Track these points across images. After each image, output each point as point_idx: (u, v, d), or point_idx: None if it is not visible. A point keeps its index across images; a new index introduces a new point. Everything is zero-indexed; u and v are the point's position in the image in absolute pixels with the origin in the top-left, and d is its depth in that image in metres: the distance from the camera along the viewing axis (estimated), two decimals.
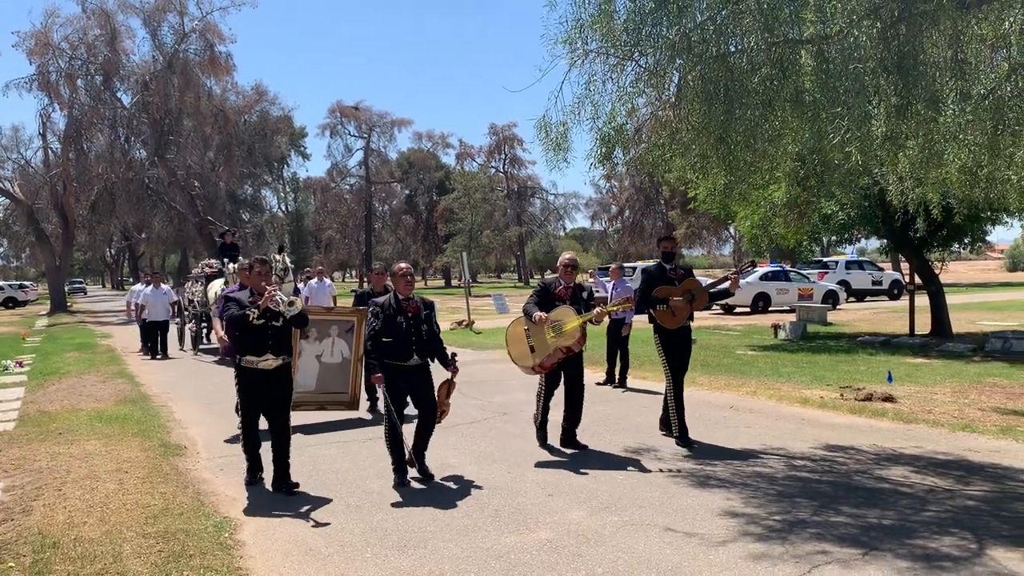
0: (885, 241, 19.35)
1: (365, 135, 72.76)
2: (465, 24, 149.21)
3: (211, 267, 17.58)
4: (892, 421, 8.70)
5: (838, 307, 27.17)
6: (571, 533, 5.30)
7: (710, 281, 8.49)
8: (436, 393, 6.78)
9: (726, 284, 8.09)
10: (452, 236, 67.44)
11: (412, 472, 6.67)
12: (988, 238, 20.76)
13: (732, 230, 58.50)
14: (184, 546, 5.21)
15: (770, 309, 26.37)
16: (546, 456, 7.40)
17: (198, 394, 11.76)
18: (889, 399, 9.79)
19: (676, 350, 7.78)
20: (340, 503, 6.07)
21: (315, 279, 17.61)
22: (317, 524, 5.64)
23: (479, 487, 6.40)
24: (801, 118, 6.77)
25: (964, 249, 19.21)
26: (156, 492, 6.44)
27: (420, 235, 77.36)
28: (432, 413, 6.69)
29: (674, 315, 7.66)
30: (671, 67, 6.82)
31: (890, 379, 11.17)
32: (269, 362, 6.33)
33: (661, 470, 6.84)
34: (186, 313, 18.76)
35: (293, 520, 5.77)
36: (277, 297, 6.21)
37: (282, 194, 76.83)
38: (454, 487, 6.35)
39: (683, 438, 7.72)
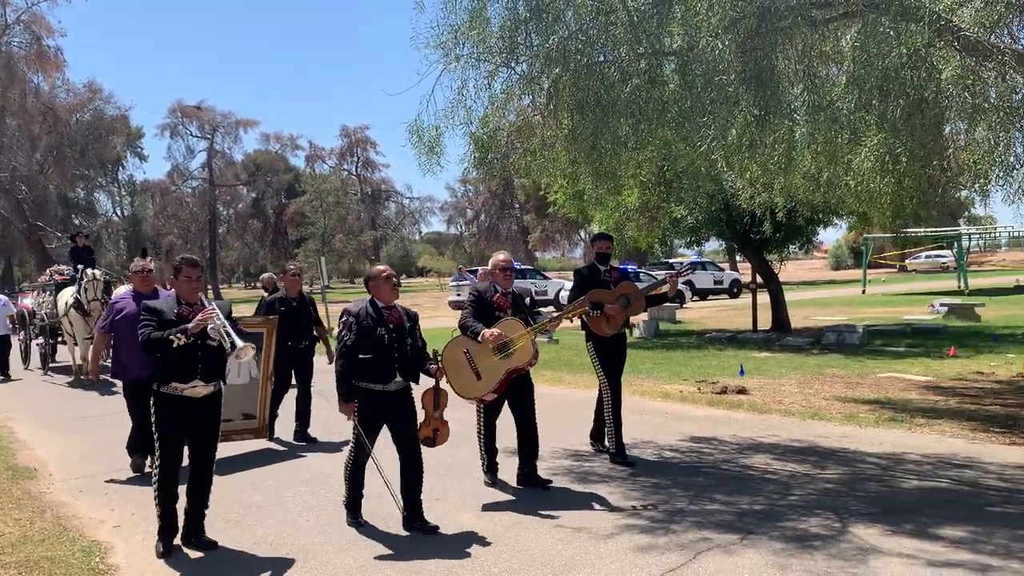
0: (726, 243, 20.58)
1: (208, 136, 69.63)
2: (315, 25, 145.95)
3: (61, 274, 15.87)
4: (748, 412, 9.24)
5: (685, 306, 28.47)
6: (463, 536, 5.33)
7: (646, 284, 8.01)
8: (423, 406, 5.90)
9: (665, 287, 7.53)
10: (304, 240, 65.73)
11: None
12: (817, 238, 22.46)
13: (583, 233, 60.19)
14: (50, 575, 4.86)
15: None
16: (428, 460, 7.33)
17: (42, 413, 10.96)
18: (742, 391, 10.40)
19: (612, 358, 7.15)
20: (219, 519, 5.80)
21: None
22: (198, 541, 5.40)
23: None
24: (666, 126, 7.10)
25: (799, 249, 20.69)
26: (9, 519, 5.97)
27: (269, 240, 74.82)
28: (418, 450, 5.71)
29: (608, 321, 7.05)
30: (545, 75, 6.98)
31: (742, 372, 11.85)
32: (197, 389, 5.19)
33: (541, 469, 6.96)
34: (31, 327, 17.02)
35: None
36: (219, 324, 5.07)
37: (118, 197, 72.52)
38: (337, 497, 6.20)
39: (620, 454, 7.09)
